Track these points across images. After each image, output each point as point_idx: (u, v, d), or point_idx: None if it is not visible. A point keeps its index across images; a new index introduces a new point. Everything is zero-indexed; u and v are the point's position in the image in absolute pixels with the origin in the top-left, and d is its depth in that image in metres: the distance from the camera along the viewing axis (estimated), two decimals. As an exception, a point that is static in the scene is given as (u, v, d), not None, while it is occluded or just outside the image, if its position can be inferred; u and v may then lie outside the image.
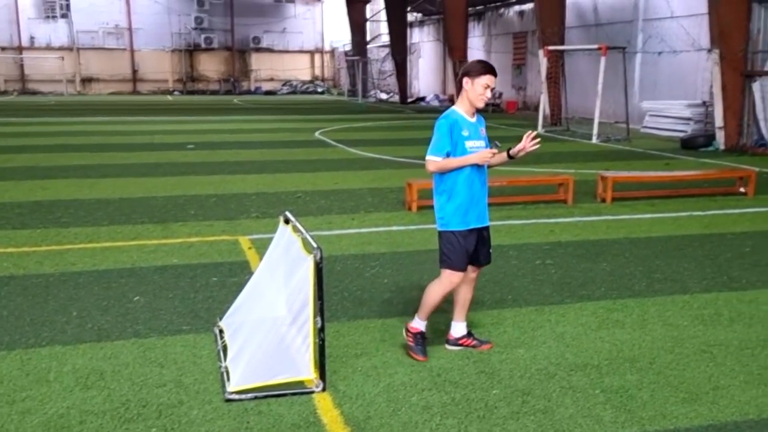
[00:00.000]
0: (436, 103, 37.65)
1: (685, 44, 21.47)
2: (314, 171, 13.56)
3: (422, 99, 40.26)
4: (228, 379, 4.35)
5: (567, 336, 5.23)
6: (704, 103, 19.77)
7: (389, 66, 42.53)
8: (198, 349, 4.98)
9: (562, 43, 24.67)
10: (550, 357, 4.85)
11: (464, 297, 4.98)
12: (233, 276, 6.66)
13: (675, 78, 22.15)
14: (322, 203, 10.39)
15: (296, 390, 4.27)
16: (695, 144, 17.33)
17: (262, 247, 6.91)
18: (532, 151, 4.64)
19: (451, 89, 33.78)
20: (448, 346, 5.01)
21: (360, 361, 4.76)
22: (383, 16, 40.12)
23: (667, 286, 6.45)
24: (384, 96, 44.00)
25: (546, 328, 5.41)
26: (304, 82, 55.26)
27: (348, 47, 48.85)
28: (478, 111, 4.74)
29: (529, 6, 30.63)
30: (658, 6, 23.04)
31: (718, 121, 17.13)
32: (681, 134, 19.10)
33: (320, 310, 4.21)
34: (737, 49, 16.57)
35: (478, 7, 35.96)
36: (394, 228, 8.82)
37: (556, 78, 24.37)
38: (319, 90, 54.36)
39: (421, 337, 4.85)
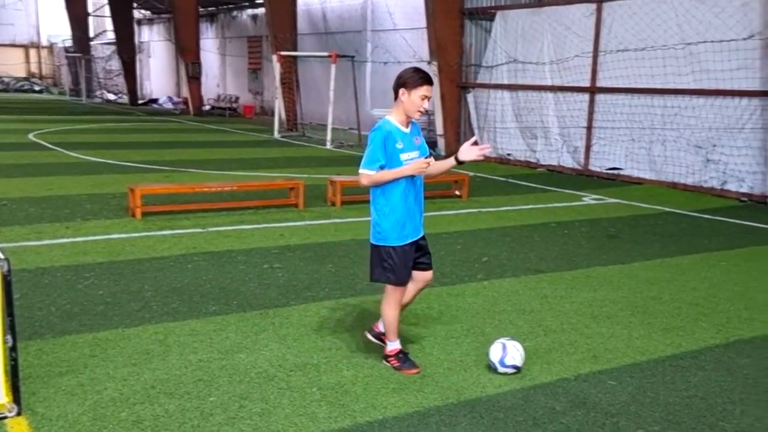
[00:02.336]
0: (169, 106, 36.40)
1: (408, 56, 22.89)
2: (25, 176, 12.38)
3: (155, 101, 38.74)
4: None
5: (289, 338, 5.26)
6: (427, 111, 21.19)
7: (116, 65, 40.31)
8: None
9: (295, 49, 25.14)
10: (271, 359, 4.83)
11: (405, 299, 4.90)
12: None
13: (401, 87, 23.49)
14: (31, 211, 9.48)
15: (-15, 419, 3.80)
16: (418, 150, 18.52)
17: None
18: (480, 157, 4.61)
19: (185, 92, 32.78)
20: (368, 335, 5.03)
21: (65, 380, 4.37)
22: (108, 11, 37.90)
23: (387, 284, 6.75)
24: (112, 97, 41.72)
25: (270, 331, 5.39)
26: (18, 79, 50.48)
27: (69, 43, 45.46)
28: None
29: (262, 10, 30.75)
30: (383, 18, 24.35)
31: (439, 129, 18.50)
32: (406, 140, 20.30)
33: (11, 327, 3.78)
34: (453, 62, 18.01)
35: (210, 8, 35.38)
36: (115, 236, 8.30)
37: (290, 83, 24.77)
38: (37, 88, 50.01)
39: (402, 354, 4.76)
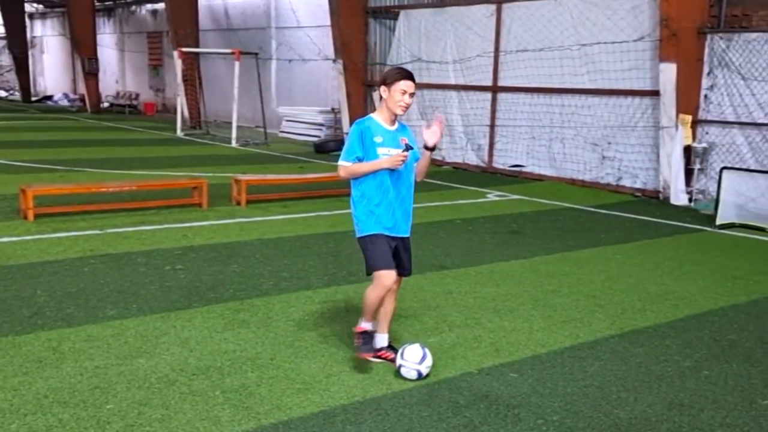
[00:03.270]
0: (65, 103, 34.92)
1: (313, 53, 22.80)
2: None
3: (49, 98, 37.09)
4: None
5: (192, 341, 5.13)
6: (333, 109, 21.17)
7: (7, 60, 38.43)
8: None
9: (197, 46, 24.60)
10: (172, 364, 4.70)
11: (386, 309, 4.81)
12: None
13: (308, 85, 23.39)
14: None
15: None
16: (327, 148, 18.42)
17: None
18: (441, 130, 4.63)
19: (82, 88, 31.49)
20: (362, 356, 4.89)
21: (-52, 394, 4.12)
22: (-2, 4, 36.05)
23: (293, 284, 6.70)
24: (3, 93, 39.81)
25: (171, 334, 5.25)
26: None
27: (-46, 37, 43.03)
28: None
29: (162, 5, 29.92)
30: (287, 16, 24.13)
31: (346, 127, 18.48)
32: (314, 139, 20.22)
33: None
34: (357, 60, 18.05)
35: (107, 3, 34.19)
36: (5, 239, 7.89)
37: (192, 80, 24.20)
38: None
39: (368, 336, 4.78)
